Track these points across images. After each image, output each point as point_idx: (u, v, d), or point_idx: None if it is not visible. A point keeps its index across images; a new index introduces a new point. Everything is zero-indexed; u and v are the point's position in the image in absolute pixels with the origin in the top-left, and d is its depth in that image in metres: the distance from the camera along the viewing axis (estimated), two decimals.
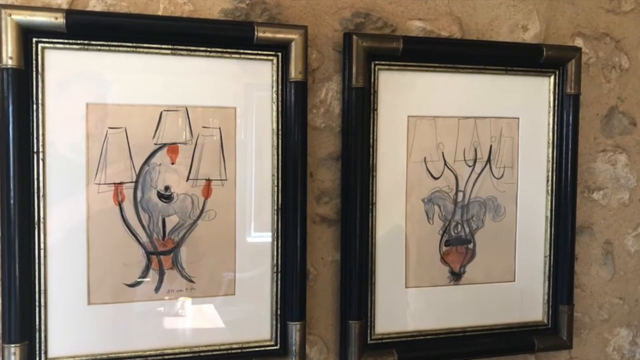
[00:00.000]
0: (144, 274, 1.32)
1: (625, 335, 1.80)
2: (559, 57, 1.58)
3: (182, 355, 1.35)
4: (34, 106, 1.23)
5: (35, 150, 1.24)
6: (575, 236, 1.63)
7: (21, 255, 1.23)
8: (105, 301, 1.30)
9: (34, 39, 1.23)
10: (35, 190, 1.24)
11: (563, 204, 1.61)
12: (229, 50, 1.33)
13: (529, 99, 1.60)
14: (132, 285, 1.32)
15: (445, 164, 1.52)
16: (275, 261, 1.39)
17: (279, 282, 1.39)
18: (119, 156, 1.29)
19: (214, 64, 1.33)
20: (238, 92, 1.36)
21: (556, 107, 1.61)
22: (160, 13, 1.33)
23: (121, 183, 1.29)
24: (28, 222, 1.24)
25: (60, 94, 1.25)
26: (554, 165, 1.61)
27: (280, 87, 1.37)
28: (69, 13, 1.23)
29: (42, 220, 1.25)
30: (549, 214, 1.63)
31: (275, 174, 1.38)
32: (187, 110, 1.32)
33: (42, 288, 1.26)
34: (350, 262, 1.43)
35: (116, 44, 1.27)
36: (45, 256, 1.26)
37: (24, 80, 1.22)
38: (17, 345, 1.24)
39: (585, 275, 1.75)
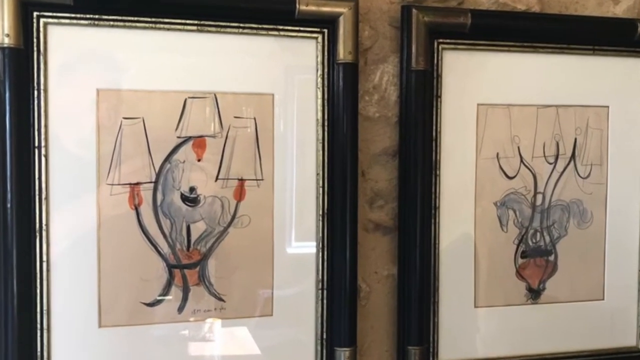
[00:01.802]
0: (165, 291, 1.22)
1: None
2: None
3: None
4: (35, 92, 1.14)
5: (36, 144, 1.14)
6: None
7: (20, 269, 1.14)
8: (119, 323, 1.20)
9: (35, 13, 1.13)
10: (37, 192, 1.15)
11: None
12: (265, 26, 1.23)
13: (620, 84, 1.45)
14: (151, 305, 1.21)
15: (521, 160, 1.39)
16: (320, 276, 1.29)
17: (324, 300, 1.29)
18: (136, 152, 1.19)
19: (248, 43, 1.23)
20: (276, 76, 1.26)
21: None
22: None
23: (138, 183, 1.20)
24: (28, 229, 1.14)
25: (66, 78, 1.16)
26: None
27: (326, 69, 1.26)
28: None
29: (44, 227, 1.15)
30: None
31: (320, 173, 1.28)
32: (215, 97, 1.22)
33: (45, 308, 1.15)
34: (410, 277, 1.33)
35: (132, 18, 1.17)
36: (48, 270, 1.16)
37: (23, 62, 1.12)
38: None
39: None
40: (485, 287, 1.40)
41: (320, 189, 1.28)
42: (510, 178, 1.39)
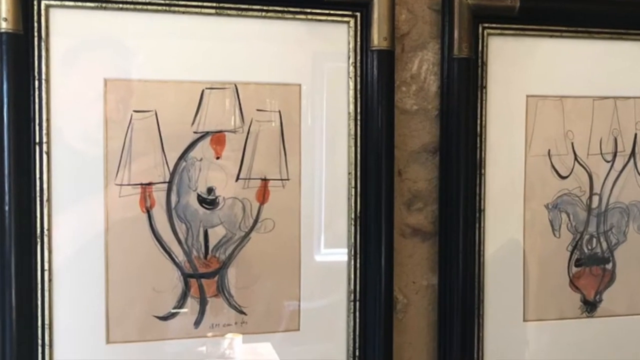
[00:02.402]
0: (180, 303, 1.18)
1: None
2: None
3: None
4: (36, 83, 1.09)
5: (37, 140, 1.10)
6: None
7: (19, 279, 1.09)
8: (129, 339, 1.16)
9: None
10: (37, 193, 1.11)
11: None
12: (291, 9, 1.19)
13: None
14: (164, 318, 1.17)
15: (575, 158, 1.34)
16: (352, 286, 1.25)
17: (357, 313, 1.24)
18: (147, 148, 1.15)
19: (272, 28, 1.19)
20: (304, 64, 1.22)
21: None
22: None
23: (150, 184, 1.15)
24: (28, 234, 1.10)
25: (70, 67, 1.12)
26: None
27: (358, 57, 1.22)
28: None
29: (45, 232, 1.11)
30: None
31: (353, 172, 1.23)
32: (236, 88, 1.18)
33: (47, 322, 1.11)
34: (451, 288, 1.29)
35: (143, 1, 1.13)
36: (50, 280, 1.12)
37: (22, 49, 1.08)
38: None
39: None
40: (536, 299, 1.36)
41: (353, 190, 1.24)
42: (563, 178, 1.34)
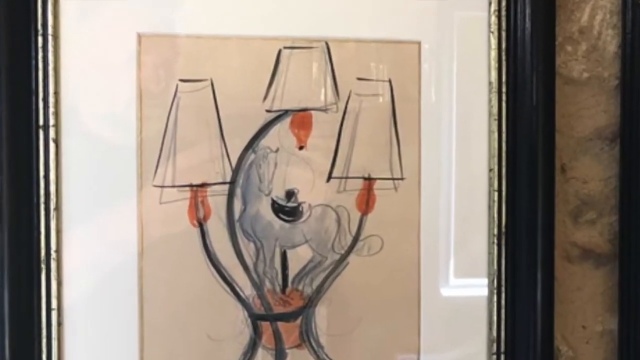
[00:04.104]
0: (248, 356, 0.98)
1: None
2: None
3: None
4: (40, 40, 0.92)
5: (41, 123, 0.92)
6: None
7: (16, 322, 0.90)
8: None
9: None
10: (42, 199, 0.92)
11: None
12: None
13: None
14: None
15: None
16: (494, 333, 1.03)
17: None
18: (200, 134, 0.96)
19: None
20: (424, 13, 1.03)
21: None
22: None
23: (204, 185, 0.96)
24: (28, 258, 0.91)
25: (89, 19, 0.93)
26: None
27: (504, 3, 1.03)
28: None
29: (53, 254, 0.91)
30: None
31: (495, 168, 1.03)
32: (327, 47, 0.98)
33: None
34: (637, 335, 1.08)
35: None
36: (59, 324, 0.92)
37: None
38: None
39: None
40: None
41: (495, 194, 1.03)
42: None
